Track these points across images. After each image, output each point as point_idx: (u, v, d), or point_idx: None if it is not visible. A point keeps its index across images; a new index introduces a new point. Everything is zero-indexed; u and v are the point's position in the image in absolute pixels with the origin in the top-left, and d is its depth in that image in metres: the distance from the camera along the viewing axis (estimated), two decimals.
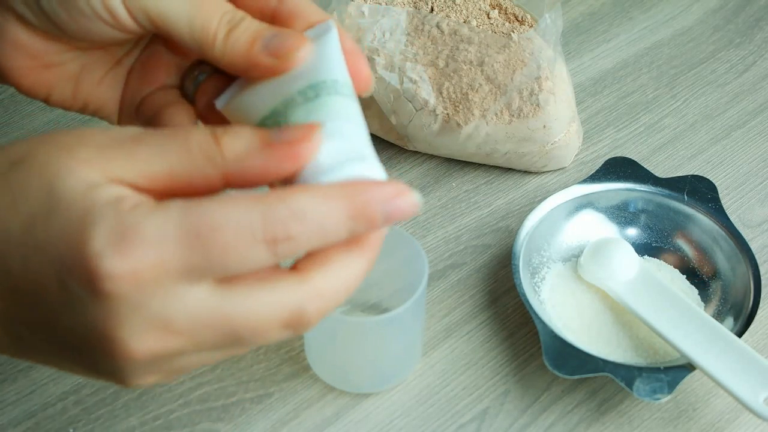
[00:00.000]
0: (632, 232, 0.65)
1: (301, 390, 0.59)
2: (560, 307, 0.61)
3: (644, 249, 0.64)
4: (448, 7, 0.68)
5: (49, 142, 0.39)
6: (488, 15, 0.67)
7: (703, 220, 0.63)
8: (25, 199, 0.37)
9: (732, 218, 0.64)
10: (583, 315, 0.61)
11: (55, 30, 0.49)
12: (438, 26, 0.67)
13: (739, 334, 0.57)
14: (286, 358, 0.60)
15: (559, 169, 0.71)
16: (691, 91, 0.77)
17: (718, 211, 0.63)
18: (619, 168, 0.66)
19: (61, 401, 0.58)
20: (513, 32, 0.66)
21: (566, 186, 0.67)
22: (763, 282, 0.60)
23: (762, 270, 0.61)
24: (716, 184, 0.65)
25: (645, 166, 0.67)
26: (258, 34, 0.46)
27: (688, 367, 0.56)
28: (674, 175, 0.67)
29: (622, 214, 0.65)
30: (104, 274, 0.35)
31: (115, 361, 0.37)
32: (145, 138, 0.38)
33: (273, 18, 0.48)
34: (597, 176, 0.66)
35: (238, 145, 0.38)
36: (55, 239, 0.36)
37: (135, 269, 0.35)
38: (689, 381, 0.58)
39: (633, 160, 0.67)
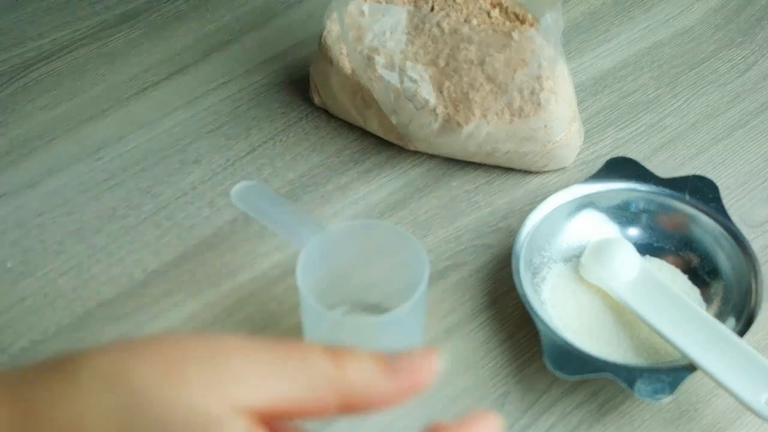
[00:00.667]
0: (633, 232, 0.65)
1: None
2: (561, 307, 0.61)
3: (646, 249, 0.64)
4: (448, 6, 0.68)
5: (146, 362, 0.34)
6: (489, 14, 0.67)
7: (704, 220, 0.63)
8: None
9: (734, 218, 0.63)
10: (583, 315, 0.61)
11: None
12: (438, 25, 0.67)
13: (741, 335, 0.57)
14: None
15: (560, 169, 0.71)
16: (693, 90, 0.77)
17: (719, 211, 0.63)
18: (620, 168, 0.66)
19: None
20: (514, 31, 0.66)
21: (567, 186, 0.67)
22: (764, 282, 0.60)
23: (764, 270, 0.61)
24: (718, 184, 0.65)
25: (646, 166, 0.66)
26: None
27: (690, 368, 0.56)
28: (676, 175, 0.66)
29: (623, 214, 0.65)
30: None
31: None
32: (258, 355, 0.35)
33: None
34: (598, 176, 0.65)
35: (363, 369, 0.36)
36: None
37: None
38: (690, 381, 0.58)
39: (634, 160, 0.66)
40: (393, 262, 0.59)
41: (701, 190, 0.64)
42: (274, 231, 0.58)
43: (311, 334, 0.58)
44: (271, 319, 0.62)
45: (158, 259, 0.65)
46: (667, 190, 0.64)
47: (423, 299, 0.56)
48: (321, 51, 0.71)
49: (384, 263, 0.60)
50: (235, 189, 0.58)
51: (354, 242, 0.58)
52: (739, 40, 0.81)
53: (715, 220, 0.63)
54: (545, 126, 0.67)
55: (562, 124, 0.68)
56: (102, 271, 0.65)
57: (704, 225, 0.63)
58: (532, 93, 0.66)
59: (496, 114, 0.66)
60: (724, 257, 0.62)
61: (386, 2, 0.68)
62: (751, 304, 0.59)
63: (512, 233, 0.66)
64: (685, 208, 0.64)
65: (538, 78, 0.66)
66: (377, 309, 0.62)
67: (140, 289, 0.64)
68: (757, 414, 0.53)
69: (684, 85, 0.76)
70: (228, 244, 0.66)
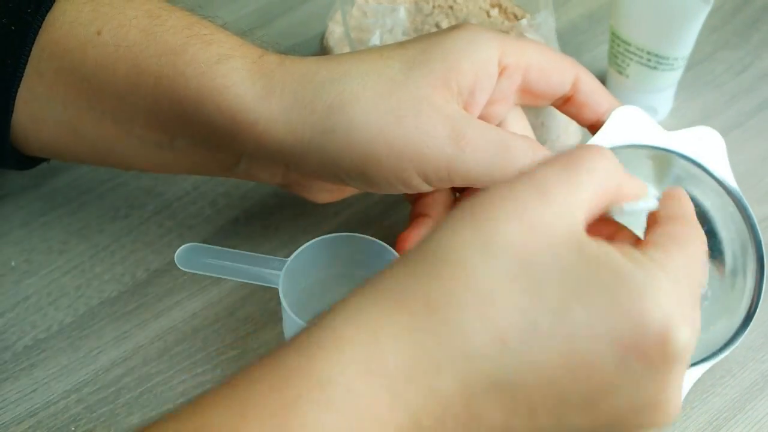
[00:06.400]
0: None
1: None
2: None
3: None
4: (449, 6, 0.68)
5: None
6: (488, 13, 0.68)
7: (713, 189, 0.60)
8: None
9: None
10: None
11: (340, 184, 0.55)
12: (438, 26, 0.67)
13: (740, 333, 0.57)
14: None
15: None
16: (689, 91, 0.77)
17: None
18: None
19: (63, 399, 0.58)
20: (512, 30, 0.66)
21: None
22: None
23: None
24: None
25: None
26: None
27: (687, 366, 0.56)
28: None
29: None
30: (675, 350, 0.35)
31: (657, 422, 0.37)
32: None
33: (566, 103, 0.57)
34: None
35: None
36: (604, 316, 0.35)
37: (692, 333, 0.36)
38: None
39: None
40: (369, 272, 0.59)
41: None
42: (240, 280, 0.59)
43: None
44: (271, 317, 0.63)
45: (160, 258, 0.66)
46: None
47: None
48: (323, 52, 0.71)
49: (364, 276, 0.60)
50: (179, 254, 0.59)
51: (335, 255, 0.58)
52: (735, 41, 0.81)
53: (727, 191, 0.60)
54: (542, 124, 0.67)
55: (560, 122, 0.68)
56: (105, 269, 0.65)
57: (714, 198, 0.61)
58: None
59: None
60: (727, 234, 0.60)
61: (388, 3, 0.68)
62: (751, 302, 0.59)
63: None
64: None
65: None
66: None
67: (142, 288, 0.64)
68: None
69: (680, 86, 0.77)
70: (230, 243, 0.66)
